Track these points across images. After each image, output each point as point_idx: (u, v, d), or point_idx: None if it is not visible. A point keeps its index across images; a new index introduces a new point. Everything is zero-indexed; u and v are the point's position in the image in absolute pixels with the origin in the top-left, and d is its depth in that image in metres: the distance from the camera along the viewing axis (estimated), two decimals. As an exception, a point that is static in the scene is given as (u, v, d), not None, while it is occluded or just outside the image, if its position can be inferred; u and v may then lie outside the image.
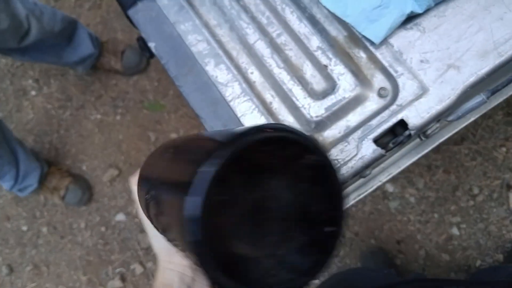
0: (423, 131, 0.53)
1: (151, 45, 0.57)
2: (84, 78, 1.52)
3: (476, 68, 0.50)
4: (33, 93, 1.56)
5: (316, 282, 1.26)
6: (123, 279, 1.43)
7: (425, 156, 1.33)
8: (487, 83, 0.51)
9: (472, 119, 0.58)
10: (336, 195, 0.24)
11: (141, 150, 1.45)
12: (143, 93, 1.48)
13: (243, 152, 0.21)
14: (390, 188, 1.33)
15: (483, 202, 1.31)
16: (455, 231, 1.30)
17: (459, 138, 1.32)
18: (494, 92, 0.51)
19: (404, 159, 0.57)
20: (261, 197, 0.25)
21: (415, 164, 1.37)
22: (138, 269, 1.42)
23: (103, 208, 1.47)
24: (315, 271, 0.24)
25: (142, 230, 1.42)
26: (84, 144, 1.50)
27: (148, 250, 1.41)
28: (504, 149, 1.32)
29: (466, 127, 1.35)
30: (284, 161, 0.24)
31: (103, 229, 1.48)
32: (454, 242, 1.29)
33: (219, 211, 0.24)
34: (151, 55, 0.70)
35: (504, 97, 0.55)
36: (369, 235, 1.31)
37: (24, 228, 1.53)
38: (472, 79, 0.49)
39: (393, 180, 1.34)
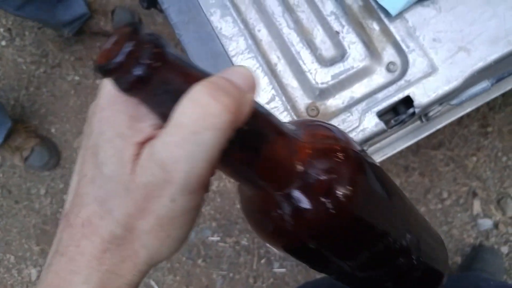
0: (425, 113, 0.53)
1: (155, -13, 0.53)
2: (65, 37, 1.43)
3: (486, 53, 0.49)
4: (3, 43, 1.45)
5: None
6: (81, 251, 1.36)
7: (404, 156, 1.35)
8: (493, 70, 0.51)
9: (469, 109, 0.58)
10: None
11: (118, 119, 1.38)
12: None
13: None
14: (365, 184, 1.35)
15: (449, 207, 1.35)
16: (421, 232, 1.33)
17: (437, 144, 1.35)
18: (499, 80, 0.51)
19: (400, 141, 0.56)
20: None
21: (394, 164, 1.39)
22: (99, 242, 1.36)
23: (68, 175, 1.40)
24: None
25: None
26: (56, 105, 1.42)
27: (113, 222, 1.36)
28: (475, 158, 1.36)
29: (443, 133, 1.38)
30: None
31: (66, 197, 1.40)
32: (420, 243, 1.32)
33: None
34: (149, 4, 0.66)
35: (510, 87, 0.55)
36: (339, 229, 1.32)
37: (-26, 188, 1.43)
38: (480, 64, 0.49)
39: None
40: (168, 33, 1.43)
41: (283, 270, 1.29)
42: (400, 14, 0.50)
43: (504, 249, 1.31)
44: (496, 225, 1.33)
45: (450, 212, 1.34)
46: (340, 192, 0.22)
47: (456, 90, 0.49)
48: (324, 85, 0.50)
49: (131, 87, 0.18)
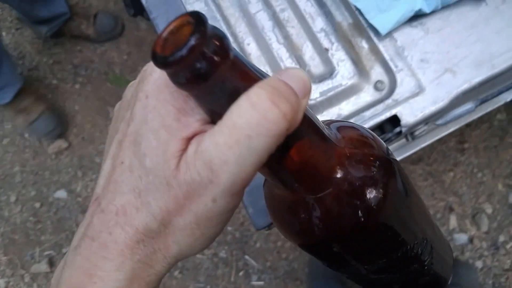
0: (411, 131, 0.53)
1: (143, -4, 0.51)
2: (44, 37, 1.39)
3: (471, 76, 0.50)
4: (-21, 44, 1.40)
5: None
6: (51, 263, 1.30)
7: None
8: (477, 92, 0.52)
9: (453, 129, 0.59)
10: None
11: (97, 125, 1.35)
12: (109, 65, 1.38)
13: None
14: (345, 198, 1.35)
15: (428, 222, 1.36)
16: (399, 246, 1.34)
17: (416, 159, 1.37)
18: (482, 102, 0.52)
19: (385, 159, 0.56)
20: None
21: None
22: (72, 252, 1.30)
23: (42, 182, 1.35)
24: None
25: (83, 211, 1.32)
26: (31, 110, 1.37)
27: (87, 232, 1.31)
28: (452, 173, 1.39)
29: (423, 149, 1.40)
30: None
31: (37, 205, 1.35)
32: (397, 257, 1.33)
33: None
34: (136, 12, 0.64)
35: (491, 108, 0.56)
36: (319, 242, 1.32)
37: None
38: (465, 85, 0.50)
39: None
40: (151, 40, 1.41)
41: (261, 283, 1.28)
42: (389, 34, 0.51)
43: (479, 264, 1.33)
44: (471, 240, 1.35)
45: (427, 226, 1.36)
46: (373, 203, 0.21)
47: (442, 110, 0.50)
48: (312, 102, 0.50)
49: (188, 82, 0.17)
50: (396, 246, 0.25)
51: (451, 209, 1.37)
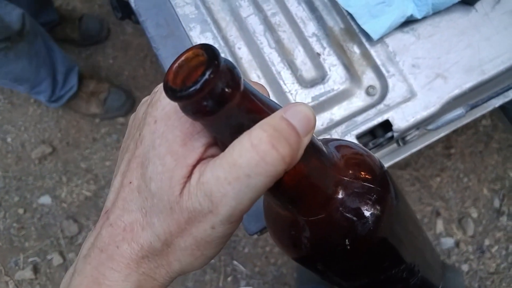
0: (403, 136, 0.53)
1: (132, -2, 0.50)
2: (26, 41, 1.36)
3: (461, 81, 0.50)
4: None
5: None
6: (35, 270, 1.27)
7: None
8: (468, 97, 0.53)
9: (443, 134, 0.59)
10: None
11: (82, 131, 1.32)
12: (94, 69, 1.35)
13: None
14: (334, 202, 1.35)
15: (415, 226, 1.37)
16: (387, 251, 1.34)
17: (403, 164, 1.38)
18: (473, 107, 0.53)
19: (376, 164, 0.56)
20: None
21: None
22: (56, 260, 1.27)
23: (25, 188, 1.31)
24: None
25: (69, 217, 1.29)
26: (14, 114, 1.33)
27: (72, 239, 1.28)
28: (438, 179, 1.41)
29: (411, 154, 1.42)
30: None
31: (21, 211, 1.32)
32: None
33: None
34: (123, 15, 0.63)
35: (480, 114, 0.57)
36: (308, 247, 1.31)
37: None
38: (456, 91, 0.50)
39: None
40: (137, 44, 1.39)
41: (250, 289, 1.27)
42: (380, 39, 0.51)
43: (465, 267, 1.35)
44: (457, 244, 1.36)
45: (415, 231, 1.36)
46: (361, 235, 0.22)
47: (434, 115, 0.50)
48: (305, 107, 0.50)
49: (197, 114, 0.17)
50: (379, 272, 0.26)
51: (437, 214, 1.38)
